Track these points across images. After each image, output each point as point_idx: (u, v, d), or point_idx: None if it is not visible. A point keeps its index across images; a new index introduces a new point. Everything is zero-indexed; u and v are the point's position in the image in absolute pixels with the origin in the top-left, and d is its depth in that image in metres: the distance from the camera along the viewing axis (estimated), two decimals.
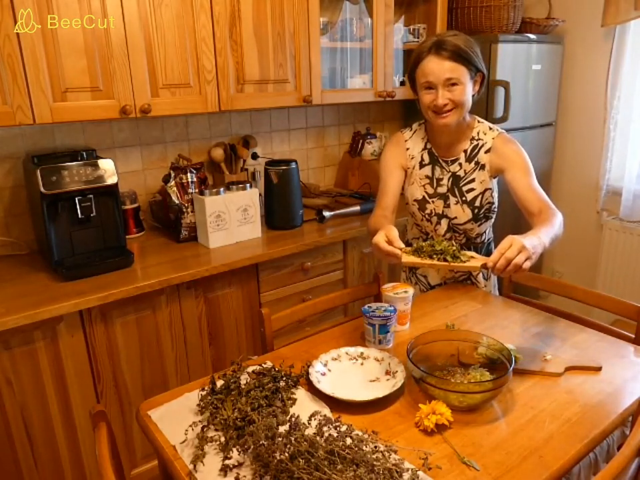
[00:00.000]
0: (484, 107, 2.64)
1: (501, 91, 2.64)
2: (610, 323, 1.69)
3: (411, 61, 1.57)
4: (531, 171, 1.58)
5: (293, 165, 2.31)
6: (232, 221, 2.14)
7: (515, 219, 2.24)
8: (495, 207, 1.70)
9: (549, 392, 1.21)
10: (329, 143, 2.95)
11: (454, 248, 1.28)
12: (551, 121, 3.07)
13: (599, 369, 1.29)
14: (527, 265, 1.19)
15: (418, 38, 2.77)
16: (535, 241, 1.25)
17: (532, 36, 2.80)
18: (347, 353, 1.34)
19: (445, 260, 1.26)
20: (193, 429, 1.09)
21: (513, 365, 1.15)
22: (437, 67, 1.49)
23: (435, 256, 1.27)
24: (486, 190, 1.65)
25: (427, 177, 1.69)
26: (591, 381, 1.25)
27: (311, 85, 2.36)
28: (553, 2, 2.96)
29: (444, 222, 1.69)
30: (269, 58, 2.20)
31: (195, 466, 1.00)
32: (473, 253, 1.30)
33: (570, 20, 2.95)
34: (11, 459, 1.67)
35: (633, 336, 1.53)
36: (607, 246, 2.97)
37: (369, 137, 2.88)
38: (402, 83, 2.83)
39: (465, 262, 1.25)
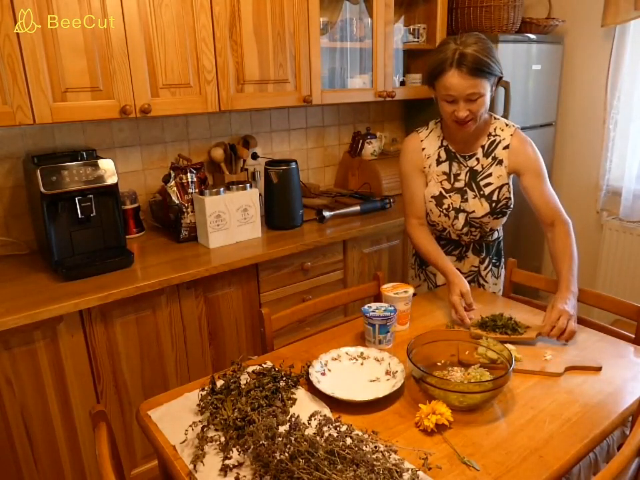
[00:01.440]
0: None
1: (501, 91, 2.65)
2: (610, 323, 1.70)
3: (432, 67, 1.55)
4: (545, 175, 1.67)
5: (293, 165, 2.31)
6: (232, 220, 2.14)
7: (517, 219, 2.24)
8: (511, 204, 1.71)
9: (549, 392, 1.21)
10: (329, 143, 2.95)
11: (512, 322, 1.46)
12: (551, 121, 3.07)
13: (599, 369, 1.29)
14: (573, 324, 1.41)
15: (418, 38, 2.77)
16: (573, 300, 1.47)
17: (532, 36, 2.80)
18: (347, 353, 1.34)
19: (506, 333, 1.43)
20: (192, 429, 1.09)
21: (512, 365, 1.15)
22: (458, 84, 1.49)
23: (497, 330, 1.44)
24: (503, 185, 1.67)
25: (444, 173, 1.71)
26: (591, 381, 1.25)
27: (311, 85, 2.36)
28: (553, 2, 2.96)
29: (461, 216, 1.70)
30: (268, 58, 2.20)
31: (195, 466, 1.00)
32: (528, 325, 1.47)
33: (570, 20, 2.95)
34: (11, 459, 1.67)
35: (633, 336, 1.53)
36: (607, 246, 2.97)
37: (369, 136, 2.88)
38: (402, 83, 2.83)
39: (522, 334, 1.43)
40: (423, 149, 1.73)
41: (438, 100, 1.59)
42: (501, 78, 1.59)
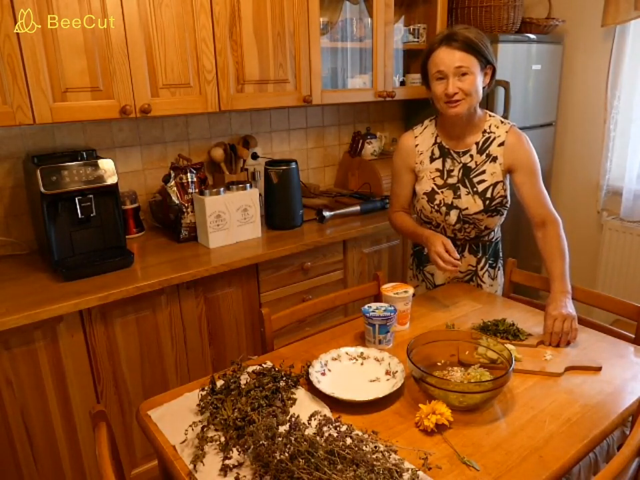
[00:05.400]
0: (484, 107, 2.64)
1: (501, 91, 2.64)
2: (610, 323, 1.70)
3: (423, 53, 1.62)
4: (539, 173, 1.67)
5: (293, 165, 2.31)
6: (232, 220, 2.14)
7: (516, 218, 2.24)
8: (506, 202, 1.71)
9: (549, 392, 1.21)
10: (329, 142, 2.95)
11: (514, 328, 1.47)
12: (551, 120, 3.07)
13: (599, 369, 1.29)
14: (575, 324, 1.43)
15: (418, 38, 2.77)
16: (567, 300, 1.48)
17: (532, 36, 2.80)
18: (346, 353, 1.34)
19: (507, 339, 1.43)
20: (192, 429, 1.09)
21: (512, 365, 1.15)
22: (447, 57, 1.53)
23: (498, 334, 1.45)
24: (497, 182, 1.67)
25: (438, 170, 1.72)
26: (591, 381, 1.25)
27: (311, 85, 2.36)
28: (553, 2, 2.96)
29: (453, 213, 1.70)
30: (268, 58, 2.20)
31: (195, 466, 1.00)
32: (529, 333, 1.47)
33: (570, 20, 2.95)
34: (11, 458, 1.67)
35: (633, 336, 1.53)
36: (607, 246, 2.97)
37: (368, 136, 2.88)
38: (402, 83, 2.83)
39: (523, 340, 1.43)
40: (416, 146, 1.75)
41: (431, 87, 1.61)
42: (494, 70, 1.62)
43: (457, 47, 1.52)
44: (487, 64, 1.58)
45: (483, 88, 1.61)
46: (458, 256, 1.58)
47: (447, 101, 1.57)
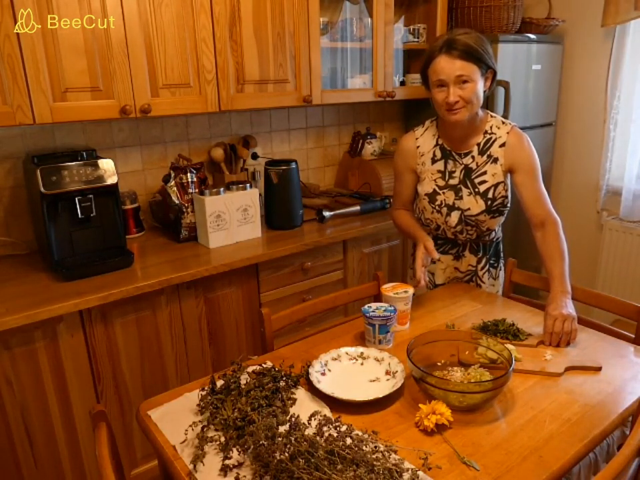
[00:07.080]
0: (484, 107, 2.64)
1: (501, 91, 2.65)
2: (610, 323, 1.69)
3: (424, 59, 1.61)
4: (539, 173, 1.67)
5: (293, 165, 2.31)
6: (232, 221, 2.14)
7: (516, 218, 2.24)
8: (507, 202, 1.72)
9: (548, 392, 1.21)
10: (329, 142, 2.95)
11: (514, 328, 1.47)
12: (551, 120, 3.07)
13: (599, 369, 1.29)
14: (575, 325, 1.42)
15: (418, 38, 2.77)
16: (567, 300, 1.47)
17: (532, 36, 2.80)
18: (347, 353, 1.34)
19: (507, 339, 1.43)
20: (193, 429, 1.09)
21: (512, 365, 1.15)
22: (447, 66, 1.52)
23: (498, 334, 1.45)
24: (499, 183, 1.67)
25: (439, 171, 1.72)
26: (591, 381, 1.25)
27: (311, 85, 2.36)
28: (553, 2, 2.96)
29: (455, 214, 1.71)
30: (269, 58, 2.20)
31: (194, 466, 1.00)
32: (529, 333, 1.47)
33: (570, 20, 2.95)
34: (11, 459, 1.67)
35: (633, 336, 1.53)
36: (607, 246, 2.97)
37: (369, 136, 2.88)
38: (402, 83, 2.83)
39: (523, 340, 1.43)
40: (418, 147, 1.75)
41: (431, 92, 1.61)
42: (495, 73, 1.62)
43: (457, 55, 1.51)
44: (488, 69, 1.58)
45: (484, 91, 1.61)
46: (437, 256, 1.61)
47: (447, 109, 1.57)
